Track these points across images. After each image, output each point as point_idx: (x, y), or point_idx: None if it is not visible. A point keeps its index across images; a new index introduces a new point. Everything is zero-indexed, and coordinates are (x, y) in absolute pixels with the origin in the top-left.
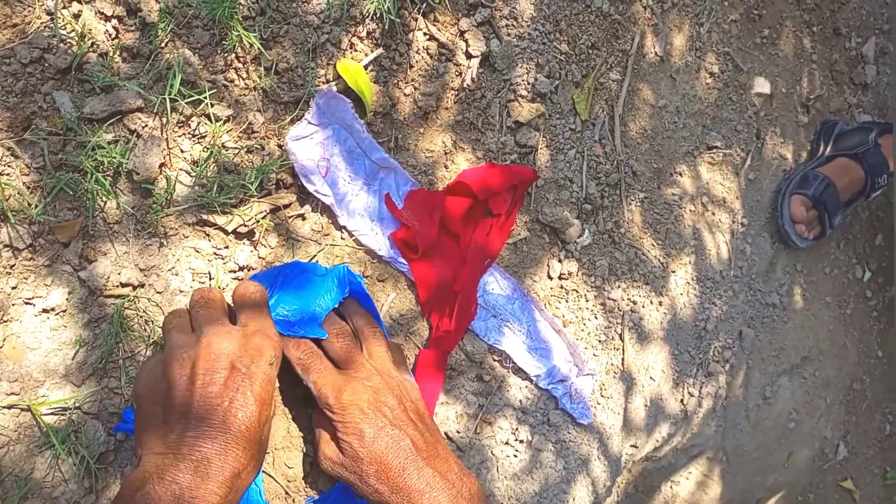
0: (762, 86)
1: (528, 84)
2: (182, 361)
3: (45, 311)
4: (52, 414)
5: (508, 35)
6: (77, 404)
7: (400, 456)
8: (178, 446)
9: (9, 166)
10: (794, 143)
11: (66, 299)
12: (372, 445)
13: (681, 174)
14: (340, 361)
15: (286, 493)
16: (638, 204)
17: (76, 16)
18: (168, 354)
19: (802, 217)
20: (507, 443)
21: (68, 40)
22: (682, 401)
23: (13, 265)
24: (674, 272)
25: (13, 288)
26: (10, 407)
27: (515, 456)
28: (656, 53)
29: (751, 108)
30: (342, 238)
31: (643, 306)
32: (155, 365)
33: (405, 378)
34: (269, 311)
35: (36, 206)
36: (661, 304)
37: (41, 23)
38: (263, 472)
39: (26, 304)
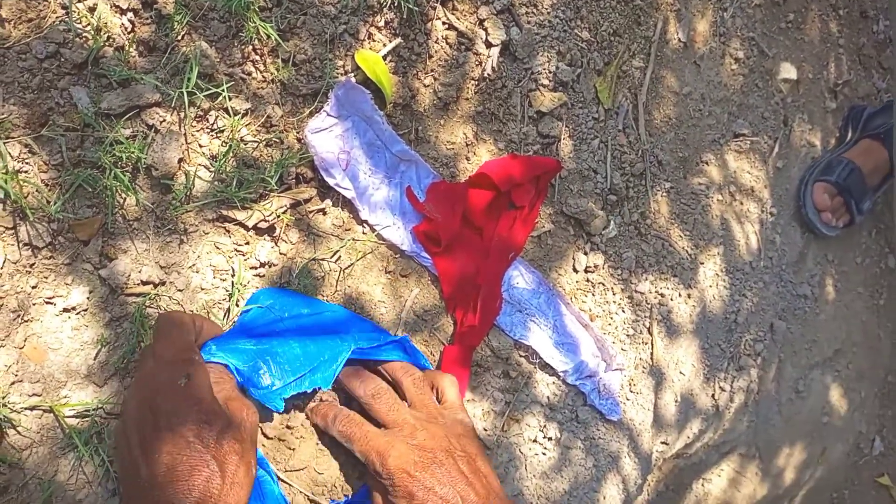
0: (788, 71)
1: (550, 73)
2: (119, 428)
3: (65, 310)
4: (74, 416)
5: (528, 23)
6: (100, 405)
7: None
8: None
9: (26, 163)
10: (823, 129)
11: (87, 298)
12: None
13: (707, 163)
14: (383, 422)
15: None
16: (664, 194)
17: (91, 9)
18: (115, 428)
19: (826, 205)
20: (535, 440)
21: (84, 34)
22: (713, 396)
23: (33, 264)
24: (702, 264)
25: (33, 287)
26: (32, 408)
27: (544, 454)
28: (679, 39)
29: (777, 94)
30: (364, 233)
31: (671, 299)
32: (118, 427)
33: (455, 420)
34: (178, 333)
35: (55, 204)
36: (689, 296)
37: (56, 17)
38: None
39: (47, 303)
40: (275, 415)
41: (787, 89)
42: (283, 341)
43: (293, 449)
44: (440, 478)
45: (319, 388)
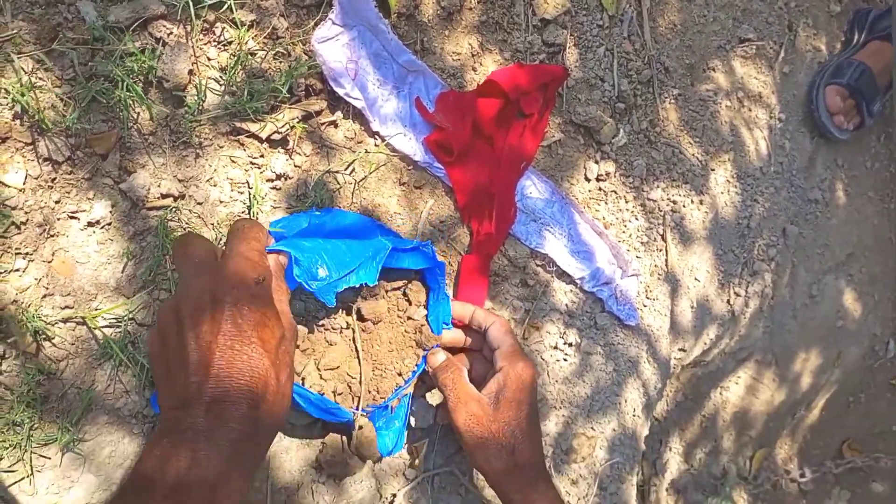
0: None
1: None
2: (167, 312)
3: (90, 224)
4: (107, 326)
5: None
6: (131, 315)
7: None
8: (186, 395)
9: (40, 78)
10: (828, 33)
11: (110, 212)
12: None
13: (714, 69)
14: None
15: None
16: (672, 101)
17: None
18: (159, 311)
19: (839, 107)
20: (556, 347)
21: None
22: (728, 301)
23: (54, 179)
24: (713, 170)
25: (56, 202)
26: (65, 321)
27: (565, 360)
28: None
29: None
30: (376, 145)
31: (684, 206)
32: (152, 329)
33: None
34: (256, 236)
35: (70, 116)
36: (701, 203)
37: None
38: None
39: (71, 217)
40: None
41: None
42: (330, 240)
43: (333, 345)
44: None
45: (365, 283)
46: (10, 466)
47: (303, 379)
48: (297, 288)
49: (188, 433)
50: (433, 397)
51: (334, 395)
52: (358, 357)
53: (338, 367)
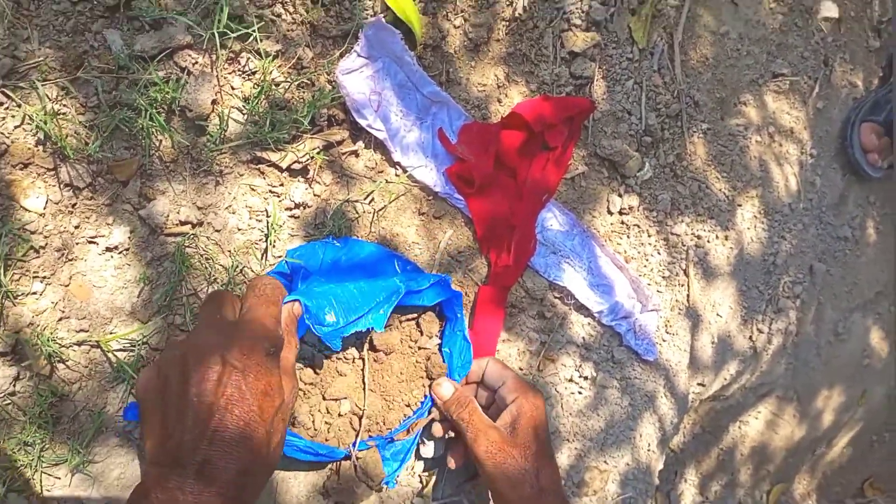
0: (830, 9)
1: (583, 12)
2: (174, 357)
3: (108, 249)
4: (121, 350)
5: None
6: (145, 339)
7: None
8: (178, 453)
9: (64, 105)
10: (865, 69)
11: (129, 238)
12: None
13: (745, 104)
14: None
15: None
16: (700, 135)
17: None
18: (161, 356)
19: (874, 145)
20: (571, 380)
21: None
22: (750, 338)
23: (74, 204)
24: (740, 206)
25: (76, 227)
26: (80, 343)
27: (580, 393)
28: None
29: (818, 33)
30: (396, 175)
31: (708, 241)
32: (150, 368)
33: None
34: (276, 300)
35: (93, 144)
36: (727, 238)
37: None
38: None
39: (90, 242)
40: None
41: (828, 28)
42: (342, 283)
43: (342, 375)
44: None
45: (373, 329)
46: (20, 485)
47: (293, 422)
48: (305, 332)
49: (175, 494)
50: (437, 430)
51: (328, 429)
52: (364, 390)
53: (345, 397)
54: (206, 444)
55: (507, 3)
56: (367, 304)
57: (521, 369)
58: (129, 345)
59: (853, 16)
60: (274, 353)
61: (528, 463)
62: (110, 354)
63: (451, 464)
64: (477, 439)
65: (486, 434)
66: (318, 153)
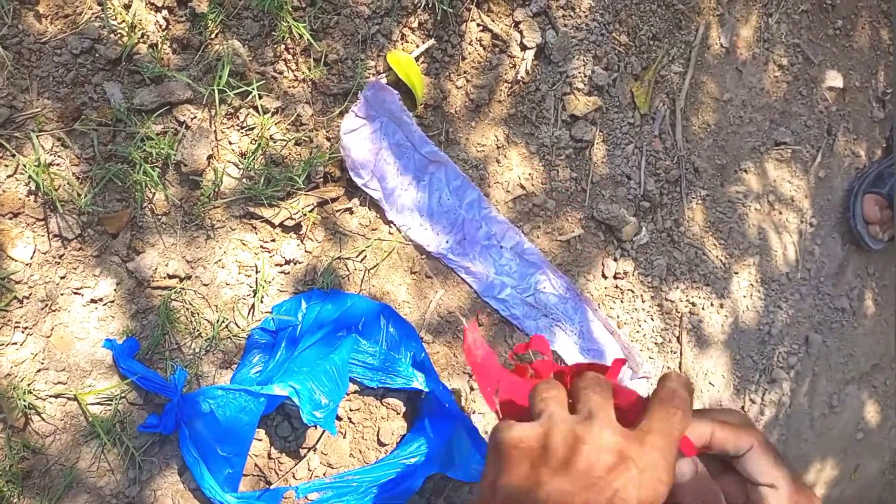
0: (834, 79)
1: (585, 77)
2: (566, 434)
3: (93, 301)
4: (97, 403)
5: (565, 26)
6: (123, 394)
7: None
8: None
9: (59, 156)
10: (869, 139)
11: (114, 290)
12: None
13: (746, 171)
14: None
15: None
16: (699, 202)
17: (126, 6)
18: (551, 421)
19: (877, 217)
20: None
21: (119, 31)
22: (742, 408)
23: (62, 255)
24: (736, 273)
25: (62, 278)
26: (57, 396)
27: None
28: (722, 45)
29: (822, 102)
30: (390, 233)
31: (703, 308)
32: (531, 428)
33: None
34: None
35: (85, 197)
36: (722, 306)
37: (92, 13)
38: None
39: (75, 293)
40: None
41: (833, 97)
42: (320, 361)
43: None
44: None
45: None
46: None
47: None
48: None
49: None
50: None
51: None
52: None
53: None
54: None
55: (511, 65)
56: (343, 376)
57: None
58: (105, 399)
59: (857, 86)
60: None
61: None
62: (86, 409)
63: None
64: None
65: None
66: (311, 210)
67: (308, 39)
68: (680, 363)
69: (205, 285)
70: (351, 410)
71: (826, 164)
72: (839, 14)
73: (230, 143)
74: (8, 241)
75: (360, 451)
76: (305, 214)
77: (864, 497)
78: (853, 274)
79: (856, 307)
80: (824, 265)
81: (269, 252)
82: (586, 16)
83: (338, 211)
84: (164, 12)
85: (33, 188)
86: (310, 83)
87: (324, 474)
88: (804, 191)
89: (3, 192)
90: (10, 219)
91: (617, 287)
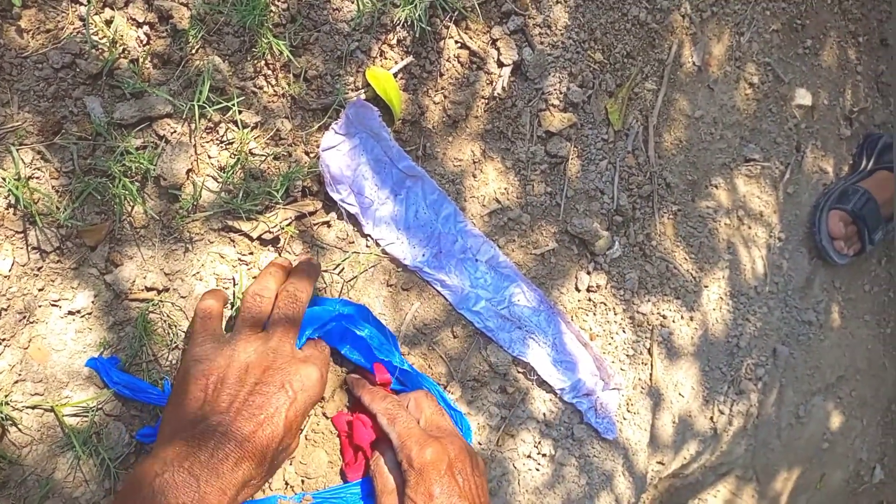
0: (804, 97)
1: (561, 93)
2: (240, 362)
3: (70, 313)
4: (74, 415)
5: (541, 44)
6: (99, 406)
7: None
8: (204, 438)
9: (38, 170)
10: (836, 156)
11: (92, 302)
12: None
13: (716, 187)
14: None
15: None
16: (671, 216)
17: (108, 22)
18: (232, 344)
19: (841, 233)
20: (529, 456)
21: (100, 46)
22: (711, 419)
23: (40, 267)
24: (706, 287)
25: (40, 290)
26: (33, 407)
27: (537, 469)
28: (694, 63)
29: (791, 119)
30: (367, 246)
31: (673, 321)
32: (213, 349)
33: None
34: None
35: (64, 211)
36: (692, 319)
37: (74, 28)
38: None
39: (52, 305)
40: None
41: (802, 115)
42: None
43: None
44: (460, 489)
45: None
46: None
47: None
48: None
49: (189, 475)
50: None
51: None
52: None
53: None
54: (231, 444)
55: (488, 81)
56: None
57: (479, 444)
58: (82, 410)
59: (826, 104)
60: (315, 403)
61: None
62: (62, 420)
63: None
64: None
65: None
66: (289, 224)
67: (288, 56)
68: (651, 375)
69: (182, 297)
70: (327, 417)
71: (794, 180)
72: (808, 34)
73: (209, 157)
74: None
75: (339, 461)
76: (283, 228)
77: None
78: (820, 287)
79: (822, 320)
80: (792, 279)
81: (248, 265)
82: (562, 34)
83: (315, 224)
84: (146, 28)
85: (13, 201)
86: (289, 98)
87: (301, 483)
88: (773, 206)
89: None
90: None
91: (590, 300)
